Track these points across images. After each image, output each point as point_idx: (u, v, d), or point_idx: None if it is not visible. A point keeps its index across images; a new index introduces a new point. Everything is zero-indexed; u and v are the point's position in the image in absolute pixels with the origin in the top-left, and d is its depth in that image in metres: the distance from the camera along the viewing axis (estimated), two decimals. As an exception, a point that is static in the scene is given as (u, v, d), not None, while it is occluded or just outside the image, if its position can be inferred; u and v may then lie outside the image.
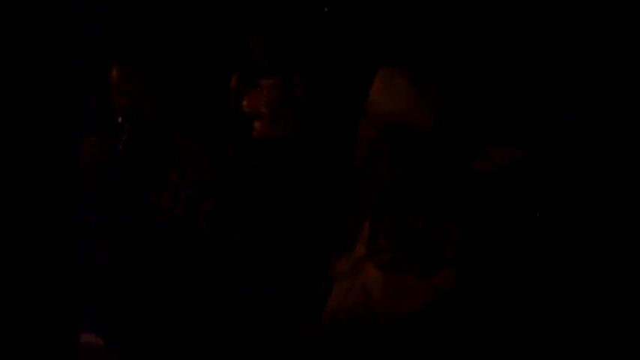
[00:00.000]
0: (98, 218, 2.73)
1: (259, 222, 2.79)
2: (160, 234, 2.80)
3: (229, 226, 2.82)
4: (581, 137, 2.35)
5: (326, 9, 3.06)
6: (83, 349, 2.27)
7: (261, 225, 2.78)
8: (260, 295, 2.64)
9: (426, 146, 2.28)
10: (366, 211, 2.38)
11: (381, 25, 2.79)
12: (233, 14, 3.12)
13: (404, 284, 2.25)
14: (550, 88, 2.54)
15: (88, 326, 2.37)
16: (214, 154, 2.92)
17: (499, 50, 2.65)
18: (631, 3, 2.05)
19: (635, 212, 2.29)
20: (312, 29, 2.92)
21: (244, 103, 2.91)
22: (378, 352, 2.26)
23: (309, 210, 2.65)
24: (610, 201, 2.40)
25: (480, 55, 2.62)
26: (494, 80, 2.61)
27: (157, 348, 2.56)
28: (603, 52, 2.28)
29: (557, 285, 2.41)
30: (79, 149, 2.10)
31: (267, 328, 2.53)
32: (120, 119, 2.88)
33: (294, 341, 2.45)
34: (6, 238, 1.82)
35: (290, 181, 2.76)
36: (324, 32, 2.93)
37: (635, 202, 2.29)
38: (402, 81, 2.28)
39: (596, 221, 2.41)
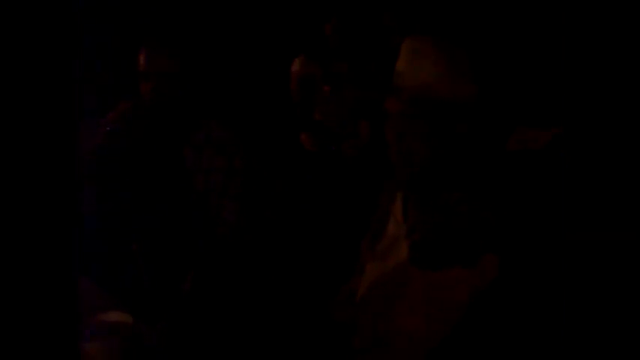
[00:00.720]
0: (126, 201, 2.70)
1: (289, 206, 2.75)
2: (192, 219, 2.77)
3: (257, 210, 2.78)
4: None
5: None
6: (111, 325, 2.24)
7: (291, 209, 2.74)
8: (291, 280, 2.60)
9: (459, 120, 2.19)
10: (399, 190, 2.31)
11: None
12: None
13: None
14: (585, 67, 2.49)
15: (118, 304, 2.34)
16: (244, 140, 2.88)
17: (535, 28, 2.60)
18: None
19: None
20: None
21: (325, 88, 2.85)
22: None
23: (340, 192, 2.61)
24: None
25: (515, 29, 2.57)
26: (529, 57, 2.56)
27: (187, 326, 2.52)
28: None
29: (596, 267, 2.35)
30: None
31: (301, 311, 2.49)
32: (146, 105, 2.85)
33: (328, 322, 2.40)
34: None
35: (321, 163, 2.72)
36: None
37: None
38: (429, 51, 2.16)
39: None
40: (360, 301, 2.32)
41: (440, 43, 2.20)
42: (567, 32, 2.58)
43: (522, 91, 2.55)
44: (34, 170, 1.79)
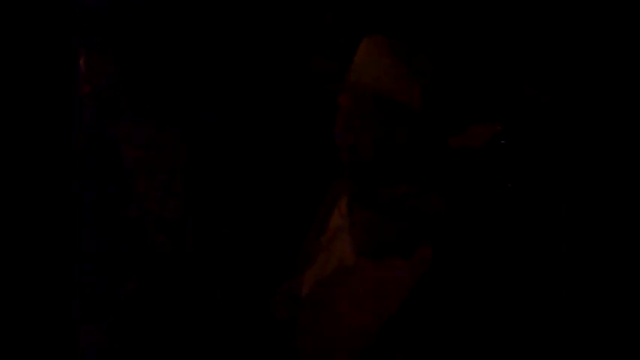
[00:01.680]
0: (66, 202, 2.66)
1: (232, 203, 2.73)
2: (133, 220, 2.74)
3: (201, 209, 2.77)
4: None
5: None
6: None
7: (235, 207, 2.73)
8: (234, 278, 2.59)
9: (409, 119, 2.24)
10: (345, 184, 2.33)
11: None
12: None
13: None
14: (528, 63, 2.55)
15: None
16: (188, 138, 2.87)
17: (482, 28, 2.64)
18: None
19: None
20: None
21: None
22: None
23: (285, 186, 2.60)
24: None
25: (464, 31, 2.61)
26: (476, 57, 2.60)
27: (131, 327, 2.49)
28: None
29: (538, 264, 2.40)
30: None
31: (243, 309, 2.48)
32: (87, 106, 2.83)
33: (271, 321, 2.40)
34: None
35: (268, 156, 2.71)
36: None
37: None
38: (386, 51, 2.21)
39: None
40: (304, 296, 2.33)
41: (397, 43, 2.25)
42: (513, 32, 2.64)
43: (469, 89, 2.60)
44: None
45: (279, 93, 2.72)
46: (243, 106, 3.01)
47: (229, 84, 3.05)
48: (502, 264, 2.25)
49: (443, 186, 2.30)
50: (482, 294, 2.22)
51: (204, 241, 2.72)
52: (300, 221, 2.44)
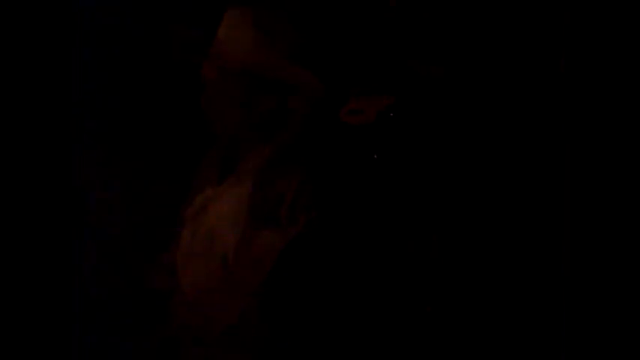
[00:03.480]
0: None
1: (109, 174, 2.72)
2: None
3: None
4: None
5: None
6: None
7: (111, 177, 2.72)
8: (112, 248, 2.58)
9: (273, 90, 2.27)
10: (217, 155, 2.36)
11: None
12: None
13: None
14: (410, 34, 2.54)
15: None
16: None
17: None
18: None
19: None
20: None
21: None
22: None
23: (159, 158, 2.61)
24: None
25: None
26: (354, 26, 2.58)
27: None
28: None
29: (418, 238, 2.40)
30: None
31: (122, 281, 2.49)
32: None
33: (149, 294, 2.42)
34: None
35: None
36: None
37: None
38: (247, 21, 2.25)
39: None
40: (178, 266, 2.36)
41: (260, 15, 2.28)
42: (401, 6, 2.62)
43: (348, 60, 2.58)
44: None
45: (142, 62, 2.71)
46: (107, 80, 2.96)
47: (92, 60, 3.00)
48: (367, 233, 2.28)
49: (311, 155, 2.33)
50: (348, 261, 2.27)
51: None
52: (177, 191, 2.46)
